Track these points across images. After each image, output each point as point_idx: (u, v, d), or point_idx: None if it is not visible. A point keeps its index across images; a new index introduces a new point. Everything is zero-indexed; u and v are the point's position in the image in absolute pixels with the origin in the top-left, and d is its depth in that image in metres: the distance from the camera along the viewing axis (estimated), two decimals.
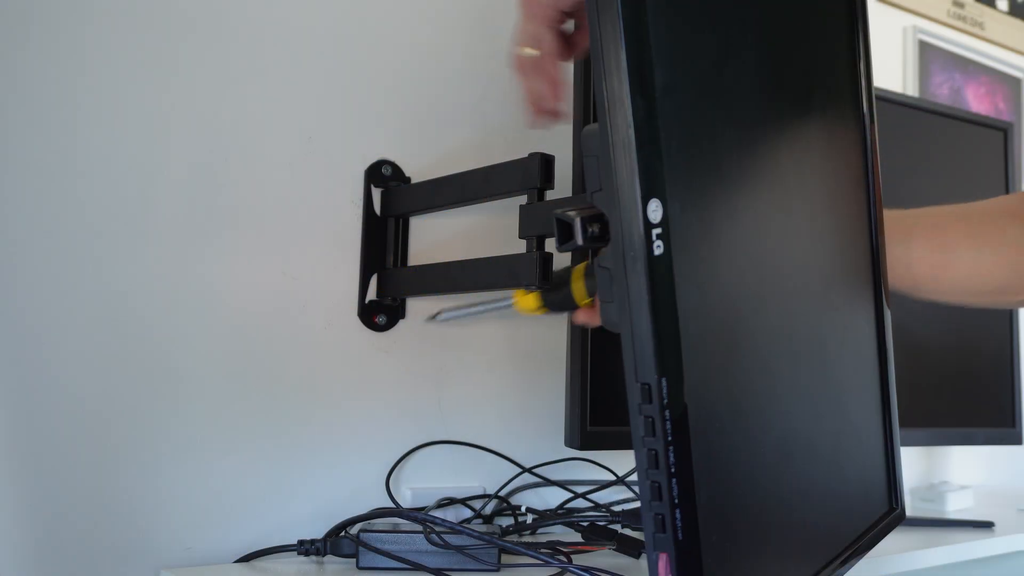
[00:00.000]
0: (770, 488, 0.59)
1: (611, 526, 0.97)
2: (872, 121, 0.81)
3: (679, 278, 0.48)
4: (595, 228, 0.49)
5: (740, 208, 0.58)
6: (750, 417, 0.57)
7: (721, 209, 0.55)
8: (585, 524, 0.98)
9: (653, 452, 0.47)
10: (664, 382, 0.47)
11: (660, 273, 0.47)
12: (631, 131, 0.46)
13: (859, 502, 0.75)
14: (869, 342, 0.78)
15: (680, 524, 0.47)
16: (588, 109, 0.96)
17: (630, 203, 0.46)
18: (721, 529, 0.51)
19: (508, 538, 0.90)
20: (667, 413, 0.47)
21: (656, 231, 0.47)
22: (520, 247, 0.89)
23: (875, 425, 0.78)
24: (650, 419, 0.47)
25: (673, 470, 0.47)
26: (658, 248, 0.47)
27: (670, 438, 0.47)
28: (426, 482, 1.07)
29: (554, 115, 0.79)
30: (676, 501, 0.47)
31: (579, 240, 0.49)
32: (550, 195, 0.89)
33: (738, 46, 0.60)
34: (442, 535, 0.85)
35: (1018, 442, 1.44)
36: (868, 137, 0.80)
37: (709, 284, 0.53)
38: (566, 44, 0.76)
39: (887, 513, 0.79)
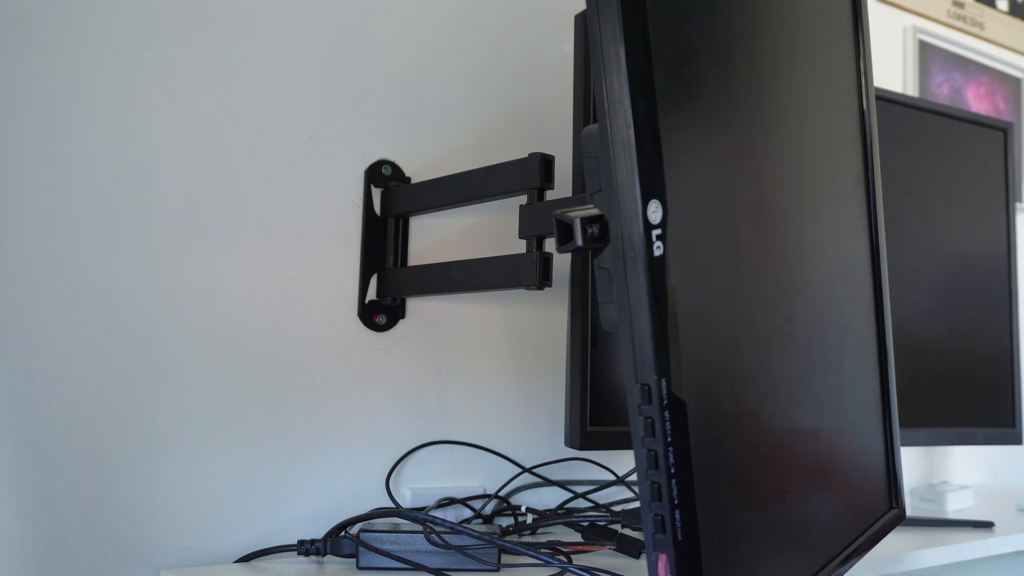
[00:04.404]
0: (770, 488, 0.59)
1: (611, 526, 0.97)
2: (872, 121, 0.81)
3: (679, 280, 0.48)
4: (595, 229, 0.49)
5: (740, 209, 0.58)
6: (750, 417, 0.57)
7: (721, 210, 0.55)
8: (585, 524, 0.98)
9: (653, 453, 0.47)
10: (664, 383, 0.47)
11: (660, 274, 0.47)
12: (631, 131, 0.46)
13: (859, 502, 0.75)
14: (869, 342, 0.78)
15: (680, 525, 0.47)
16: (588, 109, 0.96)
17: (630, 204, 0.46)
18: (721, 529, 0.51)
19: (508, 538, 0.90)
20: (667, 414, 0.47)
21: (656, 232, 0.47)
22: (520, 247, 0.89)
23: (875, 425, 0.78)
24: (650, 420, 0.47)
25: (673, 471, 0.47)
26: (658, 249, 0.47)
27: (670, 439, 0.47)
28: (426, 482, 1.07)
29: None
30: (676, 502, 0.47)
31: (579, 241, 0.49)
32: (550, 195, 0.89)
33: (738, 47, 0.60)
34: (442, 535, 0.85)
35: (1018, 442, 1.44)
36: (868, 137, 0.80)
37: (709, 285, 0.53)
38: None
39: (887, 512, 0.79)
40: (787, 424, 0.62)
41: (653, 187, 0.47)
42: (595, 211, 0.49)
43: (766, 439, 0.59)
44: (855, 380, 0.75)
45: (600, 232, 0.49)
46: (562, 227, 0.50)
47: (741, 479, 0.55)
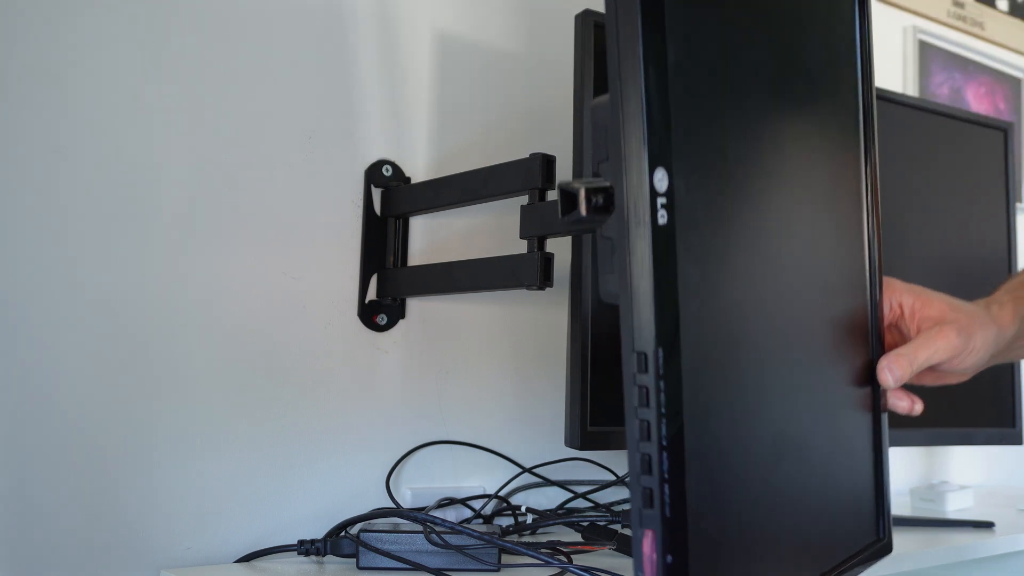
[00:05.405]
0: (762, 477, 0.58)
1: (611, 526, 0.97)
2: (872, 117, 0.81)
3: (681, 251, 0.48)
4: (599, 199, 0.49)
5: (743, 195, 0.58)
6: (747, 402, 0.56)
7: (725, 192, 0.55)
8: (585, 524, 0.98)
9: (646, 423, 0.46)
10: (661, 352, 0.46)
11: (663, 243, 0.47)
12: (642, 101, 0.46)
13: (846, 521, 0.72)
14: (864, 352, 0.77)
15: (668, 500, 0.46)
16: (582, 108, 0.96)
17: (637, 170, 0.46)
18: (711, 515, 0.50)
19: (508, 538, 0.90)
20: (662, 384, 0.46)
21: (661, 200, 0.47)
22: (520, 247, 0.89)
23: (866, 450, 0.76)
24: (644, 389, 0.46)
25: (665, 443, 0.46)
26: (662, 218, 0.47)
27: (663, 410, 0.46)
28: (426, 482, 1.07)
29: None
30: (666, 476, 0.46)
31: (582, 211, 0.49)
32: (551, 195, 0.89)
33: (748, 35, 0.60)
34: (442, 535, 0.85)
35: (1018, 442, 1.44)
36: (868, 135, 0.80)
37: (711, 262, 0.52)
38: None
39: (874, 543, 0.77)
40: (782, 416, 0.61)
41: (660, 155, 0.47)
42: (600, 182, 0.49)
43: (761, 427, 0.58)
44: (849, 394, 0.74)
45: (604, 203, 0.48)
46: (566, 197, 0.49)
47: (734, 462, 0.54)
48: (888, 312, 0.81)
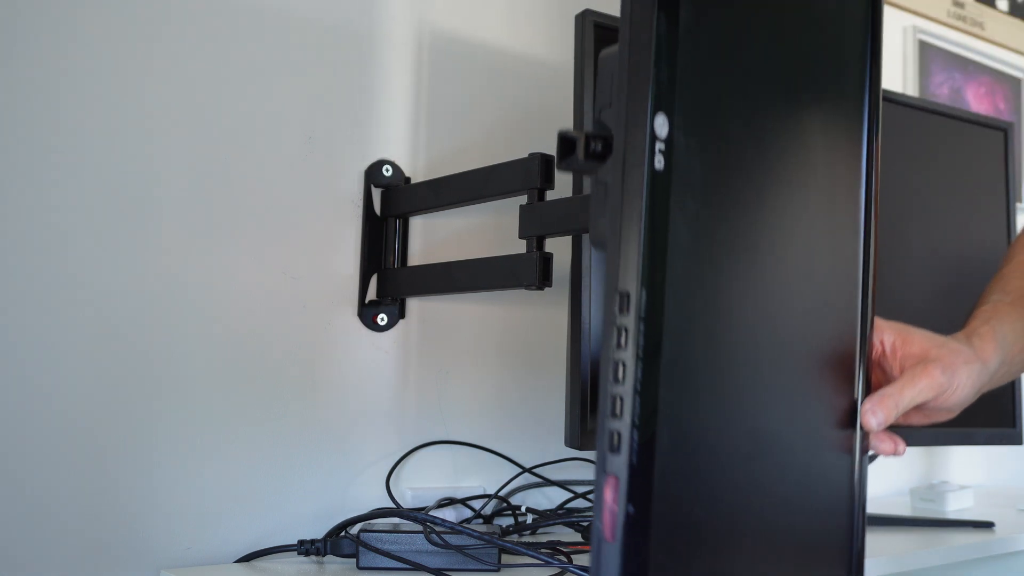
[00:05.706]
0: (736, 465, 0.54)
1: None
2: (877, 119, 0.80)
3: (675, 205, 0.47)
4: (598, 145, 0.48)
5: (742, 172, 0.57)
6: (725, 383, 0.54)
7: (723, 163, 0.54)
8: (585, 524, 0.98)
9: (621, 364, 0.44)
10: (644, 294, 0.45)
11: (658, 187, 0.46)
12: (651, 48, 0.46)
13: (816, 554, 0.67)
14: (847, 380, 0.74)
15: (637, 447, 0.44)
16: (588, 109, 0.96)
17: (638, 113, 0.46)
18: (678, 474, 0.48)
19: (508, 538, 0.90)
20: (643, 327, 0.45)
21: (660, 145, 0.46)
22: (520, 247, 0.89)
23: (843, 489, 0.69)
24: (623, 330, 0.45)
25: (639, 387, 0.44)
26: (659, 163, 0.46)
27: (641, 353, 0.45)
28: (426, 482, 1.07)
29: None
30: (636, 421, 0.44)
31: (580, 156, 0.48)
32: (550, 195, 0.89)
33: (761, 18, 0.59)
34: (442, 535, 0.85)
35: (1018, 442, 1.44)
36: (871, 138, 0.80)
37: (703, 220, 0.51)
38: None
39: None
40: (762, 404, 0.59)
41: (663, 100, 0.47)
42: (601, 131, 0.49)
43: (739, 410, 0.56)
44: (829, 410, 0.70)
45: (603, 150, 0.48)
46: (564, 143, 0.49)
47: (709, 441, 0.52)
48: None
